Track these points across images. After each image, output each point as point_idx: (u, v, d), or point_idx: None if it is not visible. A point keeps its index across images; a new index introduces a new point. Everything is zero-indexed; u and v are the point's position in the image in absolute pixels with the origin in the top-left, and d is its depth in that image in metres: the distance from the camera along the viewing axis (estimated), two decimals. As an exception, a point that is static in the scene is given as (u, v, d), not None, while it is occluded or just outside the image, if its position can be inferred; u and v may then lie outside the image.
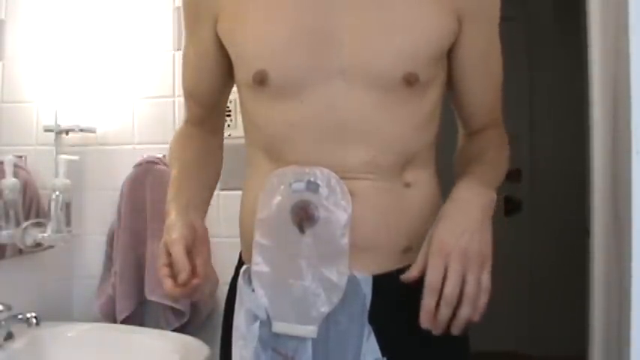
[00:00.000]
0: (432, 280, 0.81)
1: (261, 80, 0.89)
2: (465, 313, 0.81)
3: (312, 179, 0.85)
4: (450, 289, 0.81)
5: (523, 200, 3.41)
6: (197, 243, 0.86)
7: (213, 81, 1.03)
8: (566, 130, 3.13)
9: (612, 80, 1.16)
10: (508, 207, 3.41)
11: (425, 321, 0.81)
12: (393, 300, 0.91)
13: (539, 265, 3.35)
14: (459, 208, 0.88)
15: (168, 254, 0.84)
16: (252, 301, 0.90)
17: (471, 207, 0.88)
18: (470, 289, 0.81)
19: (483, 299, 0.82)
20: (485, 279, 0.83)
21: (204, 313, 1.71)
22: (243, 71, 0.94)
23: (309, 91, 0.88)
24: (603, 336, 1.24)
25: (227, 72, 0.99)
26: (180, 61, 1.10)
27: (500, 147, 1.01)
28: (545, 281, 3.31)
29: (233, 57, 0.96)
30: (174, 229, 0.86)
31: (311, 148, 0.88)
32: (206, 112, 1.07)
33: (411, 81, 0.87)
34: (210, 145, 1.08)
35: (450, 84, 0.98)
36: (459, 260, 0.82)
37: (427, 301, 0.81)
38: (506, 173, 1.01)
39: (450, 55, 0.94)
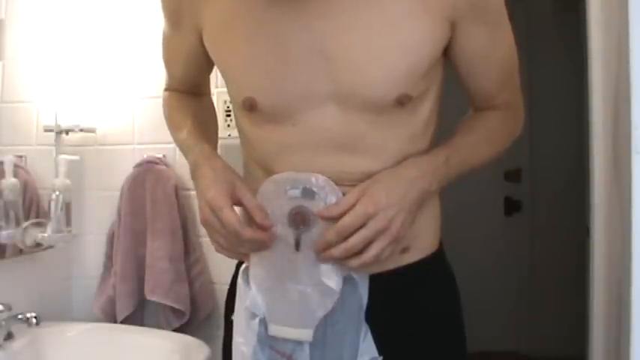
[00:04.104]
0: (349, 223, 0.82)
1: (250, 106, 0.89)
2: (352, 263, 0.83)
3: (307, 186, 0.85)
4: (358, 241, 0.82)
5: (523, 200, 3.41)
6: (237, 188, 0.87)
7: (202, 72, 1.06)
8: (566, 130, 3.14)
9: (612, 80, 1.16)
10: (508, 207, 3.41)
11: (319, 249, 0.83)
12: (390, 299, 0.91)
13: (539, 265, 3.35)
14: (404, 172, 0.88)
15: (215, 214, 0.84)
16: (250, 299, 0.90)
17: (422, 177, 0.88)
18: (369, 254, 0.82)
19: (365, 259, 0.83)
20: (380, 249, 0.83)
21: (204, 313, 1.72)
22: (232, 92, 0.94)
23: (300, 115, 0.87)
24: (603, 336, 1.24)
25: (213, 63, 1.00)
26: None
27: (495, 129, 0.99)
28: (545, 281, 3.31)
29: (223, 78, 0.95)
30: (213, 186, 0.86)
31: (305, 165, 0.88)
32: (192, 89, 1.09)
33: (404, 101, 0.86)
34: (204, 105, 1.11)
35: (453, 69, 0.96)
36: (379, 226, 0.82)
37: (330, 237, 0.82)
38: (496, 154, 0.99)
39: (447, 50, 0.91)
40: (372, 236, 0.82)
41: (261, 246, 0.87)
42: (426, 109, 0.91)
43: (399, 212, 0.83)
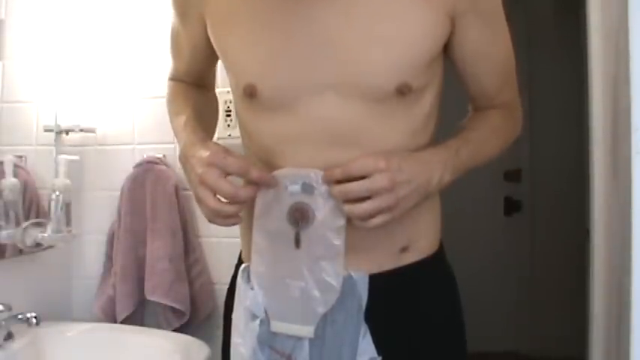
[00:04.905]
0: (356, 166, 0.82)
1: (251, 93, 0.89)
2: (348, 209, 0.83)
3: (306, 181, 0.85)
4: (359, 188, 0.81)
5: (523, 200, 3.41)
6: (230, 152, 0.87)
7: (206, 65, 1.07)
8: (566, 130, 3.13)
9: (612, 80, 1.16)
10: (508, 207, 3.41)
11: (325, 175, 0.84)
12: (390, 299, 0.91)
13: (539, 265, 3.35)
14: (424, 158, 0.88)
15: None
16: (250, 299, 0.90)
17: (433, 165, 0.88)
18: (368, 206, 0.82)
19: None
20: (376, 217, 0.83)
21: (204, 313, 1.72)
22: (233, 81, 0.95)
23: (300, 104, 0.87)
24: (603, 336, 1.24)
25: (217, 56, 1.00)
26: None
27: (498, 127, 0.99)
28: (545, 281, 3.31)
29: (225, 67, 0.96)
30: (208, 149, 0.86)
31: (304, 158, 0.88)
32: (196, 81, 1.11)
33: (404, 91, 0.86)
34: (207, 97, 1.12)
35: (453, 67, 0.96)
36: (383, 183, 0.81)
37: (335, 173, 0.83)
38: (499, 152, 0.99)
39: (447, 46, 0.92)
40: (372, 190, 0.81)
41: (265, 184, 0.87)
42: (426, 102, 0.91)
43: (406, 183, 0.83)
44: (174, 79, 1.11)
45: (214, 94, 1.16)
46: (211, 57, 1.00)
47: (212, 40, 0.95)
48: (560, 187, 3.20)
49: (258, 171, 0.85)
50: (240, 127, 1.00)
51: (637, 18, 0.74)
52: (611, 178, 1.20)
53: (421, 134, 0.92)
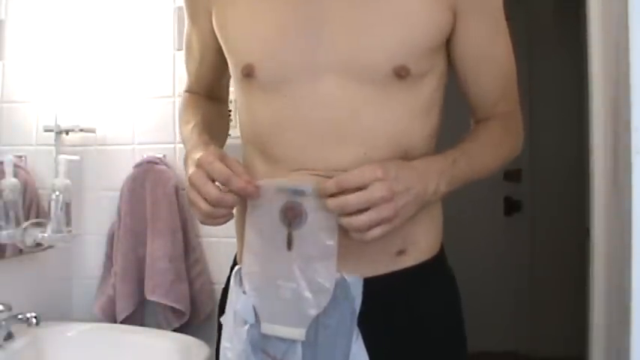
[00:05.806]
0: (352, 178, 0.79)
1: (248, 74, 0.89)
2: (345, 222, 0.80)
3: (297, 188, 0.84)
4: (357, 200, 0.78)
5: (523, 200, 3.41)
6: (226, 156, 0.85)
7: (216, 73, 1.07)
8: (566, 130, 3.13)
9: (612, 80, 1.16)
10: (508, 207, 3.41)
11: (320, 191, 0.81)
12: (384, 303, 0.89)
13: (539, 265, 3.35)
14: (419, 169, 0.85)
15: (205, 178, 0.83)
16: (241, 303, 0.89)
17: (429, 174, 0.85)
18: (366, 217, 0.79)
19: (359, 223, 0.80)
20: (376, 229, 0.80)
21: (204, 313, 1.71)
22: (233, 65, 0.95)
23: (297, 86, 0.87)
24: (603, 336, 1.24)
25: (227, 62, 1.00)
26: (181, 60, 1.13)
27: (498, 138, 0.98)
28: (545, 281, 3.31)
29: (225, 52, 0.96)
30: (203, 151, 0.86)
31: (300, 146, 0.87)
32: (209, 93, 1.12)
33: (402, 74, 0.85)
34: (218, 109, 1.13)
35: (455, 74, 0.96)
36: (383, 193, 0.78)
37: (329, 186, 0.79)
38: (500, 165, 0.98)
39: (449, 47, 0.92)
40: (371, 201, 0.78)
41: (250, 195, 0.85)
42: (427, 89, 0.90)
43: (405, 192, 0.80)
44: (188, 91, 1.13)
45: (225, 107, 1.17)
46: (221, 62, 1.00)
47: (215, 27, 0.95)
48: (560, 187, 3.20)
49: (242, 182, 0.82)
50: (239, 118, 0.99)
51: (637, 18, 0.74)
52: (611, 178, 1.20)
53: (419, 124, 0.91)
